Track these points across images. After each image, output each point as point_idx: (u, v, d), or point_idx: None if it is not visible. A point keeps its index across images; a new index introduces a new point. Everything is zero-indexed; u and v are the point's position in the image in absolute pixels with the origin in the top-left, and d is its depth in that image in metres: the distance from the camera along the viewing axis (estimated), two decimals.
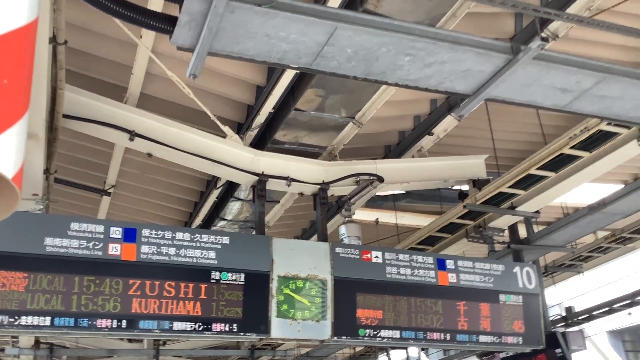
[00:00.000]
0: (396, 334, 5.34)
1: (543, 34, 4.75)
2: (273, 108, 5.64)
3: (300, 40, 3.49)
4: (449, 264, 5.71)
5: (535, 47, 3.66)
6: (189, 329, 4.69)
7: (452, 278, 5.67)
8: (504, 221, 6.52)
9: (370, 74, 3.97)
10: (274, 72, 5.26)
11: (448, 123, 6.28)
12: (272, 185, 5.76)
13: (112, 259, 4.55)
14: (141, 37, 4.79)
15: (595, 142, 5.28)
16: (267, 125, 5.95)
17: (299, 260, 5.21)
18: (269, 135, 5.99)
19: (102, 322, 4.40)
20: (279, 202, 6.96)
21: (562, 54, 3.83)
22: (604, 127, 5.01)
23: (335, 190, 6.05)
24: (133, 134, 5.20)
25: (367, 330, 5.22)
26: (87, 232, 4.53)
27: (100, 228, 4.60)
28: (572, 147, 5.30)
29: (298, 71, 4.93)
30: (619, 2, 5.11)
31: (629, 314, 11.08)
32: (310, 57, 3.68)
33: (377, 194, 6.85)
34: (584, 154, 5.39)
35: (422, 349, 13.00)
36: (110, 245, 4.58)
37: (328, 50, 3.64)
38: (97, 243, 4.54)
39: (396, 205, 8.17)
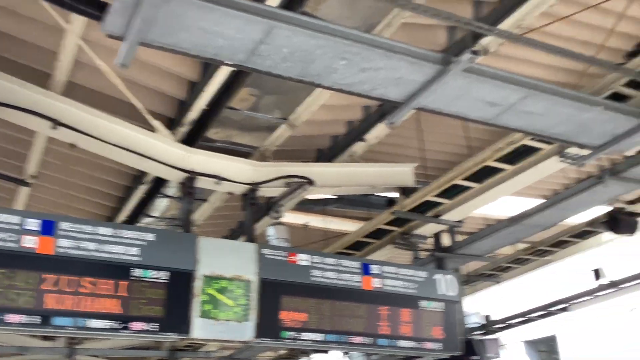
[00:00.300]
0: (319, 337, 5.36)
1: (474, 48, 4.91)
2: (207, 105, 5.54)
3: (236, 36, 3.45)
4: (374, 269, 5.79)
5: (466, 59, 3.76)
6: (106, 327, 4.54)
7: (376, 283, 5.74)
8: (429, 229, 6.67)
9: (306, 75, 3.97)
10: (208, 68, 5.18)
11: (380, 130, 6.35)
12: (201, 183, 5.66)
13: (27, 251, 4.35)
14: (70, 22, 4.61)
15: (519, 156, 5.48)
16: (199, 122, 5.84)
17: (224, 260, 5.15)
18: (201, 132, 5.88)
19: (13, 317, 4.20)
20: (207, 200, 6.86)
21: (491, 68, 3.96)
22: (527, 142, 5.21)
23: (265, 192, 6.02)
24: (56, 123, 4.99)
25: (290, 333, 5.21)
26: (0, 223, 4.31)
27: (15, 219, 4.38)
28: (496, 160, 5.48)
29: (233, 68, 4.87)
30: (547, 23, 5.33)
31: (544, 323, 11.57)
32: (245, 55, 3.64)
33: (308, 197, 6.86)
34: (508, 167, 5.59)
35: (345, 353, 13.09)
36: (25, 237, 4.37)
37: (264, 48, 3.61)
38: (11, 234, 4.32)
39: (326, 209, 8.21)
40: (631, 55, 5.13)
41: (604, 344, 15.25)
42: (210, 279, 5.03)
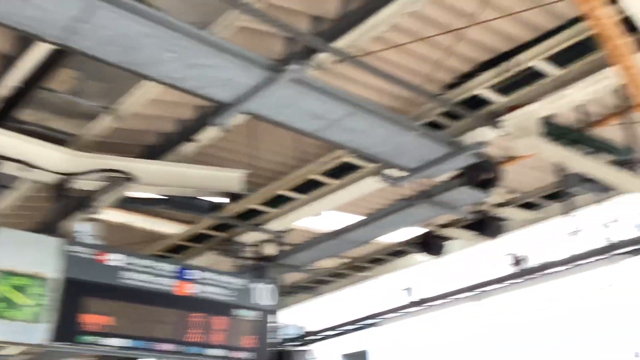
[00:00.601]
0: (124, 342, 5.07)
1: (309, 61, 4.97)
2: (21, 82, 5.04)
3: (51, 9, 3.18)
4: (191, 274, 5.61)
5: (295, 69, 3.80)
6: None
7: (191, 288, 5.57)
8: (252, 237, 6.63)
9: (130, 63, 3.78)
10: (25, 41, 4.72)
11: (212, 132, 6.20)
12: (4, 168, 5.12)
13: None
14: None
15: (343, 172, 5.64)
16: (10, 101, 5.29)
17: (24, 255, 4.72)
18: (11, 112, 5.33)
19: None
20: (13, 188, 6.23)
21: (318, 82, 4.02)
22: (350, 159, 5.38)
23: (81, 184, 5.60)
24: None
25: (91, 337, 4.87)
26: None
27: None
28: (321, 174, 5.60)
29: (53, 45, 4.47)
30: (381, 49, 5.55)
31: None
32: (61, 31, 3.37)
33: (132, 195, 6.50)
34: (332, 182, 5.72)
35: None
36: None
37: (84, 27, 3.37)
38: None
39: (150, 209, 7.84)
40: (450, 87, 5.49)
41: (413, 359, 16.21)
42: (5, 275, 4.55)
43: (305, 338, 9.69)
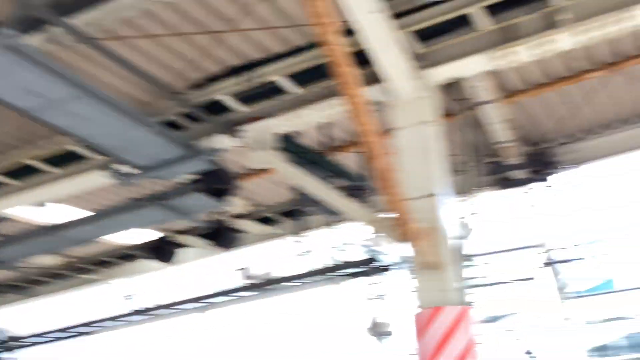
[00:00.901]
0: None
1: (40, 32, 4.37)
2: None
3: None
4: None
5: (7, 34, 3.28)
6: None
7: None
8: None
9: None
10: None
11: None
12: None
13: None
14: None
15: (67, 161, 5.09)
16: None
17: None
18: None
19: None
20: None
21: (40, 55, 3.52)
22: (76, 148, 4.86)
23: None
24: None
25: None
26: None
27: None
28: (41, 160, 4.98)
29: None
30: (133, 35, 5.11)
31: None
32: None
33: None
34: (52, 170, 5.12)
35: None
36: None
37: None
38: None
39: None
40: (196, 87, 5.27)
41: None
42: None
43: (8, 343, 8.57)
